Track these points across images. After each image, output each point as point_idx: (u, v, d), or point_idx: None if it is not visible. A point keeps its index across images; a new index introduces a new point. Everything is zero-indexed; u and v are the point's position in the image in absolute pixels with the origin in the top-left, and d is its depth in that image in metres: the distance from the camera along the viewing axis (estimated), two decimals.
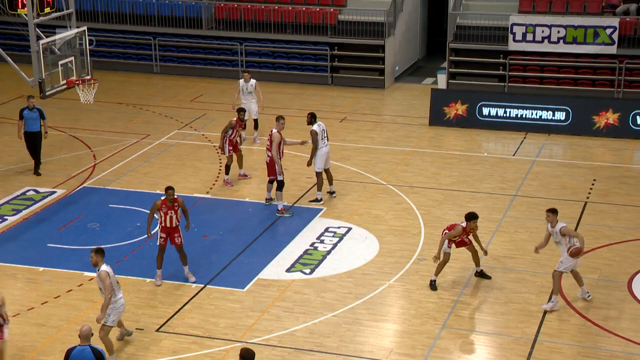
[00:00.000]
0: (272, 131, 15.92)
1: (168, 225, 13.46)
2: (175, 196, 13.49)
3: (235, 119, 17.12)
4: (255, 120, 19.74)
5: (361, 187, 17.32)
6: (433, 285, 13.51)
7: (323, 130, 16.42)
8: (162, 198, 13.43)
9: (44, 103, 18.64)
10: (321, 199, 16.51)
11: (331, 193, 16.79)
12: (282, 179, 15.99)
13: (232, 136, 17.00)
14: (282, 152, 16.03)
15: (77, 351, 9.86)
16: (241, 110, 17.49)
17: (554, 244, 12.97)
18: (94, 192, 16.97)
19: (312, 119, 16.43)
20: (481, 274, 13.82)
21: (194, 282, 13.73)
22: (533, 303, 12.99)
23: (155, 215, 13.56)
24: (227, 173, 17.31)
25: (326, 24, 24.33)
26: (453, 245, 13.57)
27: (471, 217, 13.44)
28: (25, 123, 17.57)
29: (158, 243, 13.58)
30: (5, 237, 15.24)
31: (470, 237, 13.62)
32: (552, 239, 12.93)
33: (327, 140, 16.58)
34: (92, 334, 9.93)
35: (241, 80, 19.55)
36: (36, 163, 17.83)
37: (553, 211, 12.84)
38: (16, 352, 11.73)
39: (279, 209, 16.05)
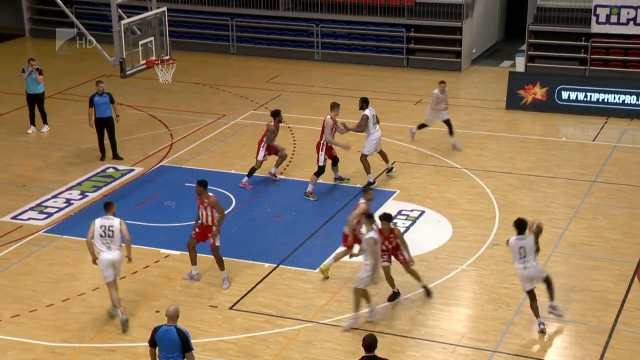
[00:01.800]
0: (325, 118, 15.97)
1: (204, 222, 12.98)
2: (208, 193, 12.76)
3: (272, 122, 16.51)
4: None
5: (435, 171, 17.22)
6: (394, 297, 12.68)
7: (374, 115, 16.29)
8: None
9: (124, 83, 19.09)
10: (374, 181, 16.41)
11: (389, 170, 16.76)
12: (323, 164, 15.98)
13: (273, 140, 16.65)
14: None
15: (163, 331, 9.87)
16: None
17: None
18: (170, 171, 17.27)
19: (363, 104, 16.33)
20: (425, 290, 12.76)
21: (226, 288, 13.11)
22: (611, 291, 12.77)
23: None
24: (249, 176, 16.51)
25: (403, 5, 24.22)
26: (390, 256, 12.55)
27: (385, 218, 12.25)
28: (96, 109, 17.51)
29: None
30: (86, 213, 15.59)
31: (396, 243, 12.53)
32: None
33: (378, 124, 16.44)
34: (179, 315, 9.96)
35: None
36: (113, 148, 17.97)
37: None
38: (96, 325, 12.10)
39: (307, 191, 16.05)
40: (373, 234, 11.96)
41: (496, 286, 12.98)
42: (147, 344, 9.99)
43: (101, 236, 12.03)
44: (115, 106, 17.85)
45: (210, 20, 25.90)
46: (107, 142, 17.91)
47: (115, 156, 18.00)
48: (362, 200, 13.18)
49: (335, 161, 16.55)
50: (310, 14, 24.96)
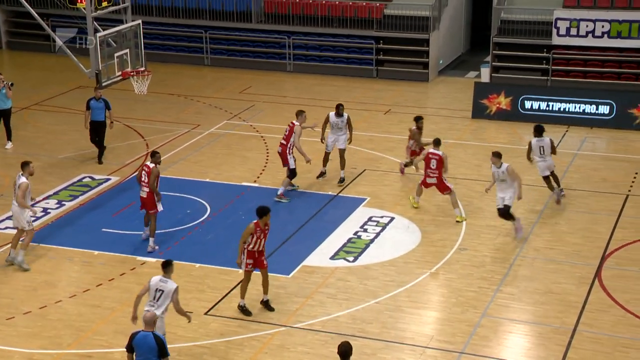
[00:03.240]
0: (293, 124, 16.26)
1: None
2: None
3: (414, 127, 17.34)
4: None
5: (404, 178, 17.54)
6: (245, 310, 12.71)
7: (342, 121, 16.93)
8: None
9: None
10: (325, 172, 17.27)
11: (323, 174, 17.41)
12: (294, 167, 16.38)
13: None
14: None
15: (141, 336, 9.97)
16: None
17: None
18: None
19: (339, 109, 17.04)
20: (266, 304, 12.91)
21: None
22: (572, 293, 13.09)
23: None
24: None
25: (372, 18, 24.55)
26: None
27: (263, 211, 12.46)
28: (92, 112, 18.05)
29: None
30: (63, 222, 15.76)
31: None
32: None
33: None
34: (155, 321, 10.10)
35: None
36: (100, 152, 18.33)
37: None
38: (73, 331, 12.17)
39: (278, 193, 16.36)
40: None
41: (463, 290, 13.27)
42: (125, 349, 10.12)
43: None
44: (110, 113, 18.10)
45: (185, 33, 26.10)
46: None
47: (100, 160, 18.23)
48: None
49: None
50: (282, 26, 25.20)
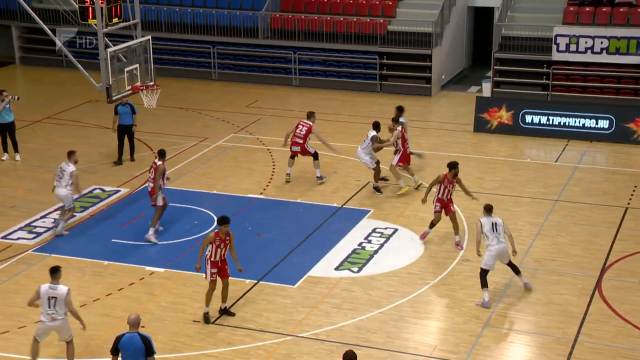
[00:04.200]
0: (309, 124, 17.77)
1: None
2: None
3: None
4: None
5: (408, 190, 17.66)
6: (207, 318, 12.89)
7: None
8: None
9: (111, 108, 19.38)
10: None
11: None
12: (315, 151, 17.85)
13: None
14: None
15: (127, 338, 10.13)
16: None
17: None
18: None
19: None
20: (225, 311, 13.11)
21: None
22: (574, 304, 13.18)
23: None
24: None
25: (376, 34, 24.79)
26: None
27: (224, 221, 12.65)
28: (119, 117, 19.00)
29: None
30: (74, 233, 15.94)
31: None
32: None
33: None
34: (140, 322, 10.28)
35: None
36: (131, 152, 19.35)
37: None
38: (83, 340, 12.24)
39: (318, 175, 17.94)
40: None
41: (466, 300, 13.37)
42: (110, 352, 10.30)
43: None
44: (135, 116, 18.99)
45: (193, 48, 26.36)
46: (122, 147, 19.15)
47: (132, 159, 19.25)
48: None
49: (315, 156, 17.94)
50: (288, 42, 25.43)
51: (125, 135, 19.27)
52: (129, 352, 10.17)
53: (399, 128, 17.44)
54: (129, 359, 10.20)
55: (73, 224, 16.37)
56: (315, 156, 17.96)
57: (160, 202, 15.44)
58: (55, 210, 16.79)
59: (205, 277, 12.88)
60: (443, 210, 15.22)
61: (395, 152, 17.59)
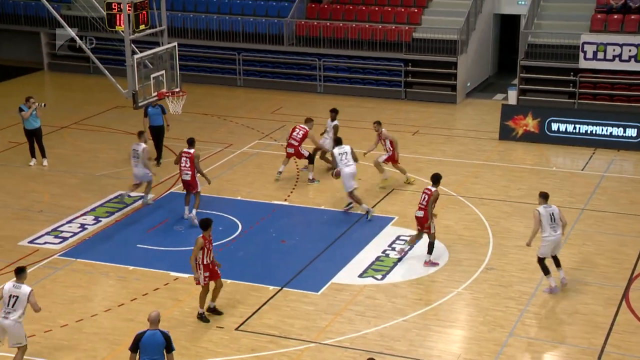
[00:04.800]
0: (306, 129, 18.30)
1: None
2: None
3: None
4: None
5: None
6: (204, 318, 13.16)
7: (345, 152, 16.98)
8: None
9: (137, 113, 19.70)
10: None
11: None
12: (309, 153, 18.45)
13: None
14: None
15: (148, 335, 10.40)
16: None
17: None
18: (180, 198, 17.56)
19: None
20: (214, 310, 13.31)
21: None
22: (600, 314, 13.10)
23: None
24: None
25: (401, 41, 24.80)
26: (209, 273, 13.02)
27: (207, 224, 12.95)
28: (150, 119, 19.17)
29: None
30: (100, 238, 16.08)
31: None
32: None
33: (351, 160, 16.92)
34: (159, 320, 10.55)
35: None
36: (158, 154, 19.53)
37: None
38: (107, 345, 12.40)
39: (310, 177, 18.49)
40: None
41: (490, 309, 13.34)
42: (129, 350, 10.50)
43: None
44: (166, 116, 19.20)
45: (219, 55, 26.53)
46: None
47: (158, 162, 19.41)
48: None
49: (310, 158, 18.52)
50: (313, 48, 25.54)
51: (157, 136, 19.58)
52: (149, 348, 10.38)
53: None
54: (148, 355, 10.40)
55: (98, 229, 16.52)
56: (310, 159, 18.42)
57: (199, 188, 16.44)
58: (81, 215, 16.99)
59: (198, 282, 13.06)
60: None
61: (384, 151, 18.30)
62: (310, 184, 18.48)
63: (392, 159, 18.20)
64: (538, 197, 14.05)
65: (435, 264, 14.81)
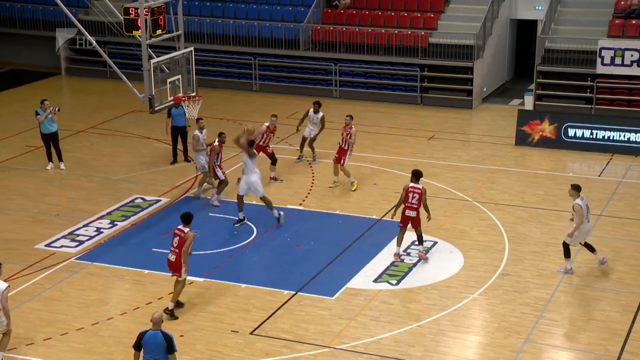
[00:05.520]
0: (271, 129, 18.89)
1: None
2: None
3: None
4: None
5: (447, 203, 17.66)
6: (171, 314, 13.31)
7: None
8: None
9: (153, 118, 19.79)
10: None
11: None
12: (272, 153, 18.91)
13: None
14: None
15: (150, 335, 10.55)
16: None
17: None
18: (195, 201, 17.72)
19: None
20: (171, 313, 13.38)
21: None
22: (617, 321, 13.03)
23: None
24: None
25: (417, 46, 24.80)
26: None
27: (187, 219, 13.25)
28: (173, 119, 19.42)
29: None
30: (115, 241, 16.15)
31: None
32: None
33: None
34: (163, 321, 10.71)
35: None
36: (185, 152, 19.88)
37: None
38: (123, 348, 12.41)
39: (272, 175, 18.86)
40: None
41: (506, 315, 13.28)
42: (132, 347, 10.68)
43: None
44: (187, 117, 19.32)
45: (235, 60, 26.62)
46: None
47: (186, 159, 19.69)
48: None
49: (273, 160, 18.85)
50: (329, 53, 25.59)
51: (179, 136, 19.75)
52: (150, 347, 10.54)
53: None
54: (150, 354, 10.57)
55: (114, 232, 16.61)
56: (273, 160, 18.97)
57: (222, 177, 17.41)
58: (97, 219, 17.13)
59: (181, 275, 13.28)
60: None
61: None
62: (274, 182, 18.75)
63: (341, 159, 18.27)
64: (571, 190, 14.48)
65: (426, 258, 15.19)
